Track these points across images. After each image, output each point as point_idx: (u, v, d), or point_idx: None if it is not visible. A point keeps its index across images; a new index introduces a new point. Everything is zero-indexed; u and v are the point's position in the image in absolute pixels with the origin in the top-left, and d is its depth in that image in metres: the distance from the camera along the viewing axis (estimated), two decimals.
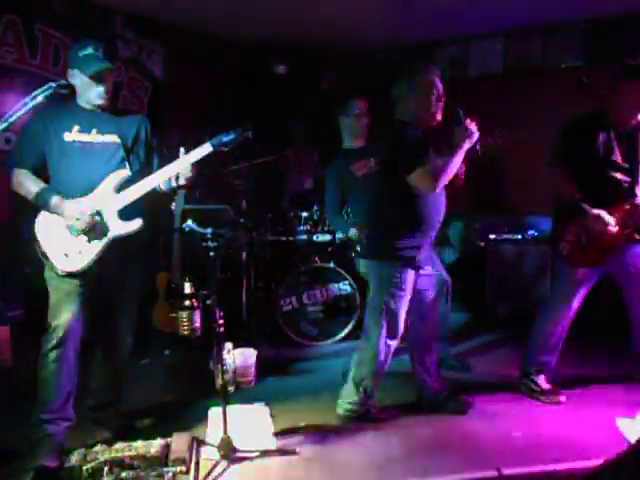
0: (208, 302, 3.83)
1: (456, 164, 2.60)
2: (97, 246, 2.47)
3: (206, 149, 2.52)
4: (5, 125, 2.19)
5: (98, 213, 2.46)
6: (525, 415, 2.86)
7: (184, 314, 3.59)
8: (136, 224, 2.50)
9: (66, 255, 2.47)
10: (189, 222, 3.02)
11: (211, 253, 2.85)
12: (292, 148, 4.89)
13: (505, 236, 4.71)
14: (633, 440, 2.51)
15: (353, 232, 3.60)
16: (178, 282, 3.74)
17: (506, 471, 2.33)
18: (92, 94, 2.48)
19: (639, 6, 4.27)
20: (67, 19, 4.09)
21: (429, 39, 5.18)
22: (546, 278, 4.46)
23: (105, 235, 2.48)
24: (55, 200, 2.44)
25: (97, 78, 2.46)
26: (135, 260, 2.67)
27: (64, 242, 2.47)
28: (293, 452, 2.53)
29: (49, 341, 2.47)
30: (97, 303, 2.58)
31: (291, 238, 4.33)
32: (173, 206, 3.78)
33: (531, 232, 4.70)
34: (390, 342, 2.76)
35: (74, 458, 2.37)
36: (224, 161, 4.24)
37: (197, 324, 3.62)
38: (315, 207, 4.35)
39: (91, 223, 2.44)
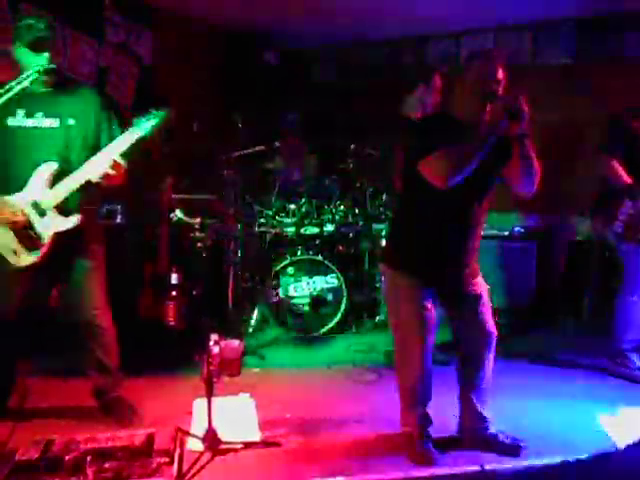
0: (194, 293, 3.83)
1: (474, 154, 2.14)
2: (42, 244, 2.43)
3: (129, 138, 2.39)
4: None
5: (35, 210, 2.39)
6: (509, 410, 2.88)
7: (171, 304, 3.57)
8: (74, 220, 2.45)
9: (14, 252, 2.43)
10: (177, 212, 2.99)
11: (199, 244, 2.81)
12: (282, 139, 4.86)
13: (491, 232, 4.73)
14: (615, 437, 2.55)
15: None
16: (165, 272, 3.72)
17: (489, 467, 2.35)
18: (32, 66, 2.32)
19: (629, 5, 4.29)
20: (54, 1, 4.00)
21: (423, 34, 5.17)
22: (532, 274, 4.50)
23: (46, 233, 2.43)
24: None
25: (35, 47, 2.32)
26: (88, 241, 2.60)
27: (11, 239, 2.42)
28: (278, 444, 2.53)
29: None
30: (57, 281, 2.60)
31: (279, 229, 4.32)
32: (160, 195, 3.75)
33: (517, 229, 4.73)
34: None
35: (56, 448, 2.35)
36: (213, 151, 4.20)
37: (183, 315, 3.60)
38: (304, 199, 4.34)
39: (21, 224, 2.38)
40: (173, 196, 3.72)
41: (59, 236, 2.45)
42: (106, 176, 2.41)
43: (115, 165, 2.40)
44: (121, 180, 2.50)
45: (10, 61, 2.40)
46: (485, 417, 2.52)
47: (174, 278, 3.65)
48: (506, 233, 4.70)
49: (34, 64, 2.32)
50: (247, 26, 4.99)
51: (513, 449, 2.45)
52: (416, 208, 2.41)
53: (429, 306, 2.40)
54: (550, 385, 3.12)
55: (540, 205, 4.83)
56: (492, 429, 2.52)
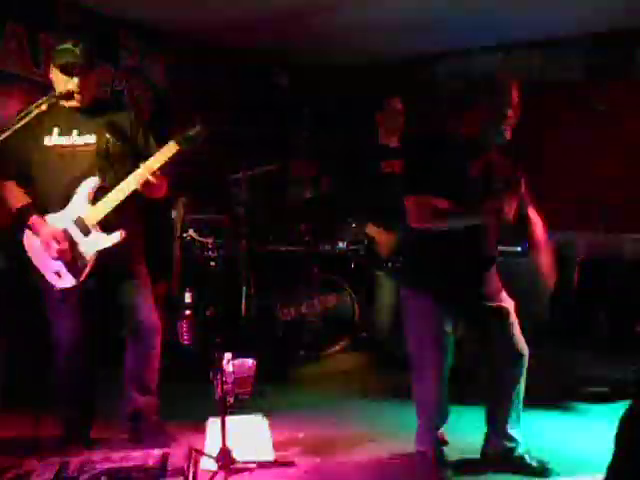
0: (208, 312, 3.84)
1: (455, 223, 2.26)
2: (86, 263, 2.43)
3: (172, 148, 2.40)
4: (9, 134, 2.20)
5: (79, 228, 2.40)
6: (525, 429, 2.84)
7: (184, 323, 3.58)
8: (118, 235, 2.43)
9: (57, 274, 2.44)
10: (190, 232, 3.02)
11: (212, 263, 2.82)
12: (293, 158, 4.91)
13: (502, 248, 4.67)
14: None
15: (374, 230, 3.66)
16: (178, 292, 3.74)
17: None
18: (62, 87, 2.38)
19: (638, 21, 4.31)
20: (71, 29, 4.11)
21: (430, 52, 5.22)
22: (544, 292, 4.45)
23: (89, 252, 2.43)
24: (34, 220, 2.40)
25: (66, 70, 2.38)
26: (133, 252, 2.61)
27: (53, 261, 2.43)
28: (291, 463, 2.51)
29: (58, 355, 2.53)
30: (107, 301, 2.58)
31: (291, 248, 4.33)
32: (173, 214, 3.78)
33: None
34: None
35: (71, 468, 2.35)
36: (224, 170, 4.25)
37: (197, 334, 3.61)
38: (316, 217, 4.36)
39: (57, 258, 2.38)
40: (186, 216, 3.75)
41: (104, 257, 2.45)
42: (147, 185, 2.40)
43: (155, 174, 2.40)
44: (163, 192, 2.52)
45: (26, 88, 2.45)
46: (514, 437, 2.48)
47: (187, 297, 3.67)
48: (518, 249, 4.66)
49: (63, 86, 2.39)
50: (260, 49, 5.07)
51: (541, 471, 2.41)
52: None
53: (448, 330, 2.39)
54: (566, 404, 3.07)
55: (552, 221, 4.82)
56: (520, 450, 2.48)
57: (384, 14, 4.23)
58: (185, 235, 3.71)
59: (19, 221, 2.45)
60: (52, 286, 2.46)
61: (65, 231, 2.42)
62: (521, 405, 2.48)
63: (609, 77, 4.56)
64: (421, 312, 2.41)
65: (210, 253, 3.84)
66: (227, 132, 4.66)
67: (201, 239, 3.79)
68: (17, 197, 2.44)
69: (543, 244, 2.52)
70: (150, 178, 2.39)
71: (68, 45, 2.38)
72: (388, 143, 3.78)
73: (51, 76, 2.46)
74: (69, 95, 2.39)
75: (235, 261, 4.08)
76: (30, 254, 2.49)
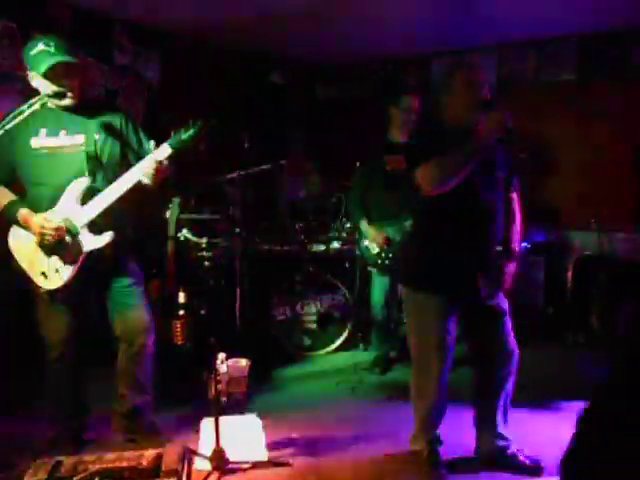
0: (202, 312, 3.83)
1: (465, 162, 2.18)
2: (73, 264, 2.41)
3: (164, 151, 2.37)
4: (1, 133, 2.19)
5: (67, 229, 2.37)
6: (521, 428, 2.84)
7: (178, 323, 3.58)
8: (107, 237, 2.41)
9: (44, 274, 2.41)
10: (184, 231, 3.01)
11: (206, 263, 2.81)
12: (288, 157, 4.90)
13: (498, 248, 4.69)
14: None
15: (365, 227, 3.64)
16: (172, 291, 3.73)
17: None
18: (50, 88, 2.30)
19: (634, 21, 4.31)
20: (64, 26, 4.08)
21: (425, 51, 5.22)
22: (539, 290, 4.47)
23: (78, 252, 2.41)
24: (22, 213, 2.36)
25: (53, 75, 2.28)
26: (124, 253, 2.58)
27: (39, 261, 2.41)
28: (285, 464, 2.51)
29: (49, 355, 2.51)
30: (96, 301, 2.57)
31: (286, 247, 4.33)
32: (167, 214, 3.77)
33: (524, 244, 4.71)
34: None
35: (64, 469, 2.34)
36: (219, 169, 4.24)
37: (190, 334, 3.60)
38: (310, 217, 4.35)
39: (57, 237, 2.34)
40: (180, 215, 3.74)
41: (93, 256, 2.42)
42: (151, 177, 2.37)
43: (156, 167, 2.36)
44: (167, 172, 2.44)
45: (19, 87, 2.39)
46: (505, 436, 2.48)
47: (181, 297, 3.66)
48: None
49: (48, 88, 2.32)
50: (255, 48, 5.06)
51: (534, 469, 2.41)
52: (431, 221, 2.40)
53: (452, 329, 2.39)
54: (563, 402, 3.08)
55: (547, 219, 4.84)
56: (512, 449, 2.48)
57: (384, 13, 4.22)
58: (179, 235, 3.70)
59: (8, 218, 2.41)
60: (39, 287, 2.44)
61: (60, 221, 2.38)
62: (509, 404, 2.49)
63: (603, 76, 4.56)
64: (425, 312, 2.41)
65: (204, 253, 3.84)
66: (222, 132, 4.66)
67: (195, 239, 3.78)
68: (4, 195, 2.42)
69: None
70: (144, 180, 2.38)
71: (41, 47, 2.26)
72: (396, 139, 3.72)
73: (33, 83, 2.35)
74: (62, 94, 2.36)
75: (229, 261, 4.07)
76: (16, 255, 2.46)
